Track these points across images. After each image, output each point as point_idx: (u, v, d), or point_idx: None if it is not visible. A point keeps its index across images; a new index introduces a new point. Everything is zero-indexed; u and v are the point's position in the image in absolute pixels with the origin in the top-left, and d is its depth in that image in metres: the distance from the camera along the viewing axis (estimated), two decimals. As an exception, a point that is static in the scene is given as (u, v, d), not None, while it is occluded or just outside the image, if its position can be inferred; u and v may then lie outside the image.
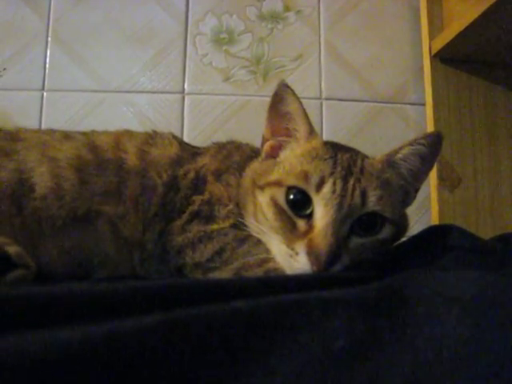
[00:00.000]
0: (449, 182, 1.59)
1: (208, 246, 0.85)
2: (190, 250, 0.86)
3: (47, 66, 1.67)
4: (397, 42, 1.77)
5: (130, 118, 1.65)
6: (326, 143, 0.87)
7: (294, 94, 0.85)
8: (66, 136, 0.97)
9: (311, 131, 0.87)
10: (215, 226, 0.88)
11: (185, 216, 0.90)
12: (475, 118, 1.65)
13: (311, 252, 0.73)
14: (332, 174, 0.78)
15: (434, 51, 1.64)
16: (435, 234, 0.88)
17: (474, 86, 1.66)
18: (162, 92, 1.68)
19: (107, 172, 0.92)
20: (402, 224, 0.86)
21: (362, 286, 0.53)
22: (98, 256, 0.87)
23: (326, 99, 1.71)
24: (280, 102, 0.86)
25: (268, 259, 0.80)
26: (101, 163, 0.93)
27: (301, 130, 0.87)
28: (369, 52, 1.75)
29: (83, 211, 0.87)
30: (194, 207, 0.91)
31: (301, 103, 0.86)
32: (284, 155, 0.88)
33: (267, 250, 0.81)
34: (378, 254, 0.81)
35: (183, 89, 1.69)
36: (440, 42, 1.61)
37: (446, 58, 1.65)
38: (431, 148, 0.85)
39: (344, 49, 1.75)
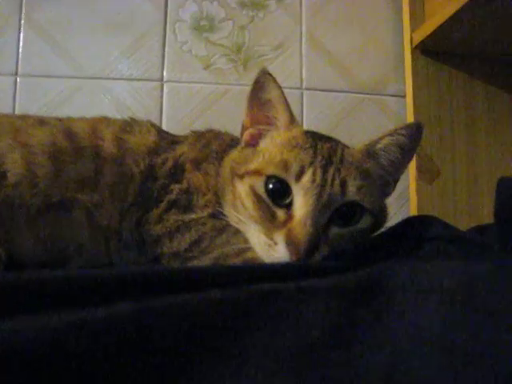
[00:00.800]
0: (427, 175, 1.60)
1: (186, 236, 0.84)
2: (168, 240, 0.84)
3: (20, 50, 1.61)
4: (378, 32, 1.76)
5: (107, 105, 1.61)
6: (307, 132, 0.87)
7: (274, 81, 0.84)
8: (41, 121, 0.94)
9: (292, 120, 0.86)
10: (193, 216, 0.86)
11: (162, 205, 0.89)
12: (454, 111, 1.65)
13: (290, 242, 0.72)
14: (312, 163, 0.77)
15: (415, 43, 1.64)
16: (414, 225, 0.88)
17: (454, 78, 1.67)
18: (140, 79, 1.65)
19: (83, 159, 0.90)
20: (381, 214, 0.85)
21: (339, 276, 0.52)
22: (73, 244, 0.85)
23: (307, 89, 1.70)
24: (260, 90, 0.85)
25: (247, 249, 0.79)
26: (77, 150, 0.90)
27: (281, 118, 0.86)
28: (350, 42, 1.74)
29: (58, 199, 0.84)
30: (172, 196, 0.89)
31: (282, 91, 0.85)
32: (264, 144, 0.86)
33: (246, 240, 0.80)
34: (357, 244, 0.81)
35: (162, 76, 1.66)
36: (421, 34, 1.61)
37: (427, 49, 1.65)
38: (411, 139, 0.84)
39: (325, 38, 1.73)
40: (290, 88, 1.68)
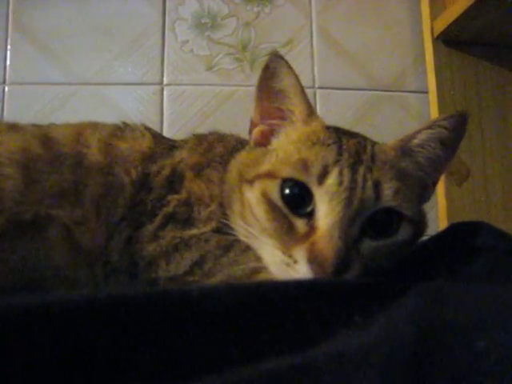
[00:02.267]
0: (457, 176, 1.45)
1: (185, 256, 0.70)
2: (164, 261, 0.71)
3: (8, 57, 1.50)
4: (395, 24, 1.63)
5: (104, 112, 1.49)
6: (329, 127, 0.73)
7: (288, 66, 0.71)
8: (13, 127, 0.82)
9: (310, 112, 0.73)
10: (194, 231, 0.73)
11: (157, 220, 0.75)
12: (483, 106, 1.51)
13: (314, 259, 0.59)
14: (337, 161, 0.65)
15: (436, 33, 1.52)
16: (461, 234, 0.74)
17: (481, 69, 1.53)
18: (138, 83, 1.53)
19: (62, 169, 0.77)
20: (421, 223, 0.71)
21: (383, 324, 0.37)
22: (49, 271, 0.71)
23: (320, 88, 1.57)
24: (272, 78, 0.72)
25: (259, 269, 0.67)
26: (54, 159, 0.77)
27: (297, 110, 0.73)
28: (365, 36, 1.62)
29: (30, 217, 0.71)
30: (169, 209, 0.76)
31: (297, 78, 0.72)
32: (277, 142, 0.73)
33: (258, 258, 0.68)
34: (394, 259, 0.67)
35: (162, 80, 1.54)
36: (443, 23, 1.47)
37: (449, 40, 1.52)
38: (454, 132, 0.72)
39: (338, 33, 1.61)
40: (301, 87, 1.54)
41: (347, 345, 0.29)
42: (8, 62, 1.50)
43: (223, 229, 0.73)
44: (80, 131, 0.86)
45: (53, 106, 1.49)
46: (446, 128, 0.71)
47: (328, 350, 0.28)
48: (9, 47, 1.51)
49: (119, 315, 0.35)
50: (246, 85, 1.53)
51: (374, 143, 0.73)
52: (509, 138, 1.50)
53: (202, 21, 1.57)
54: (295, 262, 0.61)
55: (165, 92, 1.53)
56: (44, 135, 0.82)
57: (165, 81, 1.54)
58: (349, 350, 0.28)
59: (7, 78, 1.49)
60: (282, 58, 0.71)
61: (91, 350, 0.32)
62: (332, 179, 0.62)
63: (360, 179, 0.63)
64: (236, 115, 1.49)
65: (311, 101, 1.50)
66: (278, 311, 0.34)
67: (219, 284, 0.64)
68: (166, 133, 1.46)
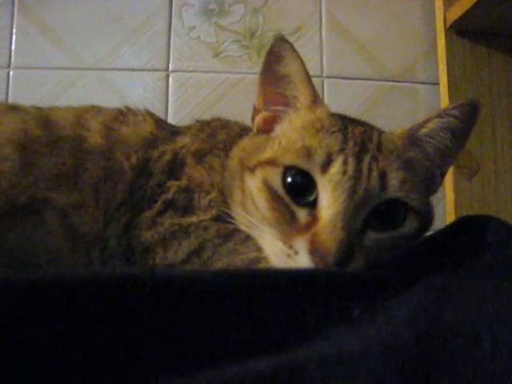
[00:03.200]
0: (466, 169, 1.42)
1: (184, 244, 0.68)
2: (161, 249, 0.69)
3: (13, 40, 1.48)
4: (407, 13, 1.58)
5: (108, 98, 1.46)
6: (334, 114, 0.71)
7: (294, 50, 0.69)
8: (13, 108, 0.80)
9: (315, 98, 0.71)
10: (194, 219, 0.71)
11: (156, 206, 0.73)
12: (495, 99, 1.47)
13: (315, 251, 0.57)
14: (342, 150, 0.62)
15: (449, 23, 1.46)
16: (469, 228, 0.71)
17: (494, 61, 1.48)
18: (143, 69, 1.50)
19: (61, 152, 0.75)
20: (428, 215, 0.69)
21: (382, 324, 0.34)
22: (45, 256, 0.70)
23: (328, 77, 1.53)
24: (276, 62, 0.70)
25: (259, 259, 0.65)
26: (53, 141, 0.76)
27: (302, 96, 0.71)
28: (375, 24, 1.57)
29: (26, 200, 0.69)
30: (169, 195, 0.74)
31: (302, 63, 0.70)
32: (280, 129, 0.71)
33: (258, 248, 0.66)
34: (399, 253, 0.64)
35: (168, 66, 1.51)
36: (456, 12, 1.43)
37: (462, 30, 1.47)
38: (464, 121, 0.70)
39: (348, 21, 1.56)
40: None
41: (341, 345, 0.27)
42: (13, 47, 1.48)
43: (223, 217, 0.71)
44: (81, 114, 0.85)
45: (57, 90, 1.47)
46: (455, 117, 0.68)
47: (319, 351, 0.26)
48: (14, 31, 1.49)
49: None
50: (253, 72, 1.50)
51: (380, 132, 0.71)
52: (521, 132, 1.46)
53: (210, 7, 1.54)
54: (296, 252, 0.59)
55: (170, 79, 1.50)
56: (44, 117, 0.80)
57: (170, 67, 1.51)
58: (342, 353, 0.26)
59: (12, 62, 1.47)
60: (287, 42, 0.69)
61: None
62: (336, 168, 0.60)
63: (365, 168, 0.61)
64: (242, 103, 1.46)
65: (319, 90, 1.49)
66: (268, 302, 0.32)
67: (206, 270, 0.63)
68: (171, 120, 1.44)
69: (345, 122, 0.68)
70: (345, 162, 0.61)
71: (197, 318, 0.30)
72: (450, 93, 1.45)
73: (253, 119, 0.76)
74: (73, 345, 0.30)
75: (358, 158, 0.62)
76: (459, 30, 1.47)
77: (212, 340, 0.28)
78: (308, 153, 0.61)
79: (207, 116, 1.38)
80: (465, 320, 0.32)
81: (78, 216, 0.72)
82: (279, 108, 0.72)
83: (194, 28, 1.53)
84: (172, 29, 1.53)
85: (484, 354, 0.26)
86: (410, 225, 0.64)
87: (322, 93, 1.51)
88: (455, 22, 1.44)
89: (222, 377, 0.22)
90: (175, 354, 0.28)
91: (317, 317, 0.32)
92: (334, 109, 1.43)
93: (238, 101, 1.48)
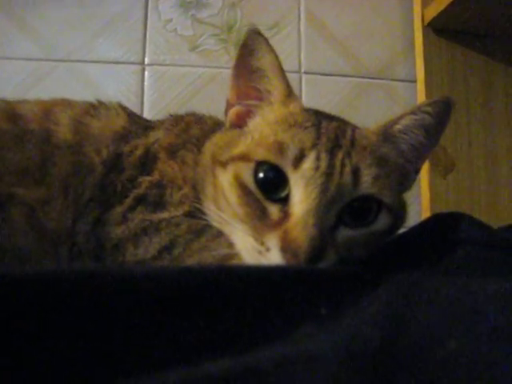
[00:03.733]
0: (442, 167, 1.43)
1: (154, 240, 0.67)
2: (132, 245, 0.67)
3: (-19, 29, 1.43)
4: (385, 10, 1.59)
5: (81, 91, 1.43)
6: (308, 110, 0.70)
7: (267, 44, 0.68)
8: (-24, 101, 0.77)
9: (289, 93, 0.70)
10: (165, 215, 0.69)
11: (127, 201, 0.72)
12: (471, 97, 1.48)
13: (287, 247, 0.56)
14: (315, 145, 0.61)
15: (426, 20, 1.48)
16: (442, 225, 0.71)
17: (470, 60, 1.50)
18: (119, 62, 1.47)
19: (28, 146, 0.73)
20: (401, 212, 0.69)
21: (349, 324, 0.33)
22: (11, 253, 0.67)
23: (306, 73, 1.53)
24: (249, 55, 0.69)
25: (231, 256, 0.64)
26: (20, 135, 0.74)
27: (276, 90, 0.69)
28: (354, 21, 1.57)
29: None
30: (140, 190, 0.72)
31: (276, 56, 0.68)
32: (253, 123, 0.70)
33: (230, 245, 0.65)
34: (372, 250, 0.64)
35: (143, 59, 1.49)
36: (434, 10, 1.44)
37: (440, 28, 1.49)
38: (438, 118, 0.69)
39: (326, 17, 1.56)
40: (287, 71, 1.47)
41: (304, 346, 0.26)
42: (-19, 36, 1.44)
43: (195, 213, 0.70)
44: (50, 108, 0.83)
45: (29, 82, 1.43)
46: (429, 114, 0.68)
47: (280, 351, 0.25)
48: (-16, 20, 1.44)
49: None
50: (230, 67, 1.48)
51: (354, 128, 0.70)
52: (495, 130, 1.48)
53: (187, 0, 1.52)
54: (267, 249, 0.58)
55: (146, 72, 1.48)
56: (11, 110, 0.78)
57: (146, 60, 1.48)
58: (303, 354, 0.25)
59: (-21, 51, 1.43)
60: (260, 34, 0.67)
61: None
62: (308, 163, 0.59)
63: (338, 164, 0.60)
64: (219, 98, 1.42)
65: (297, 86, 1.49)
66: (231, 299, 0.31)
67: (166, 266, 0.61)
68: (147, 114, 1.42)
69: (318, 118, 0.68)
70: (317, 158, 0.60)
71: (149, 318, 0.29)
72: (426, 90, 1.46)
73: (226, 113, 0.75)
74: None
75: (331, 154, 0.61)
76: (437, 28, 1.48)
77: (164, 341, 0.27)
78: (280, 148, 0.60)
79: (183, 111, 1.37)
80: (432, 320, 0.32)
81: (45, 212, 0.70)
82: (252, 102, 0.71)
83: (170, 21, 1.51)
84: (148, 21, 1.50)
85: (448, 356, 0.26)
86: (382, 222, 0.64)
87: (300, 89, 1.51)
88: (433, 20, 1.45)
89: (165, 382, 0.21)
90: (127, 355, 0.27)
91: (282, 315, 0.31)
92: (312, 105, 1.42)
93: (215, 95, 1.46)
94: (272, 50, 0.68)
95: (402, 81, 1.57)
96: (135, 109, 1.23)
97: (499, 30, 1.48)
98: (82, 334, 0.29)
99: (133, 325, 0.30)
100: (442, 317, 0.33)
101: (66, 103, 0.86)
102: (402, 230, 0.73)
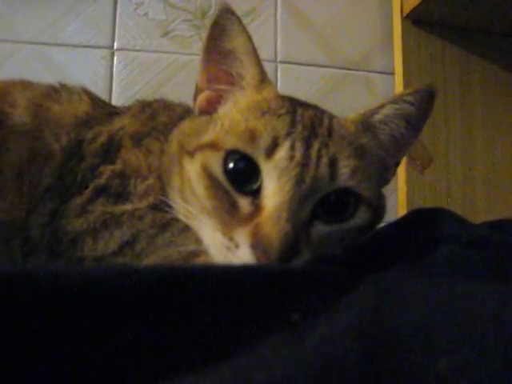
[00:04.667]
0: (419, 162, 1.41)
1: (115, 234, 0.62)
2: (91, 239, 0.62)
3: None
4: (364, 0, 1.55)
5: (45, 75, 1.35)
6: (283, 96, 0.66)
7: (240, 23, 0.63)
8: None
9: (263, 78, 0.66)
10: (128, 207, 0.65)
11: (87, 192, 0.66)
12: (449, 90, 1.47)
13: (257, 244, 0.52)
14: (289, 134, 0.58)
15: (405, 12, 1.46)
16: (421, 221, 0.67)
17: (449, 53, 1.48)
18: (86, 46, 1.40)
19: None
20: (380, 207, 0.65)
21: (324, 334, 0.29)
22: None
23: (282, 62, 1.48)
24: (221, 36, 0.64)
25: (198, 252, 0.59)
26: None
27: (248, 75, 0.65)
28: (332, 10, 1.53)
29: None
30: (101, 180, 0.67)
31: (250, 37, 0.64)
32: (224, 110, 0.65)
33: (197, 240, 0.61)
34: (349, 246, 0.60)
35: (113, 43, 1.42)
36: (413, 2, 1.42)
37: (419, 20, 1.47)
38: (420, 108, 0.66)
39: (304, 5, 1.52)
40: (263, 60, 1.43)
41: (269, 366, 0.22)
42: None
43: (161, 206, 0.65)
44: (8, 89, 0.77)
45: (-12, 65, 1.35)
46: (411, 103, 0.65)
47: (238, 371, 0.21)
48: None
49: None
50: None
51: (332, 116, 0.66)
52: (473, 125, 1.47)
53: (160, -18, 1.46)
54: (237, 246, 0.54)
55: (115, 57, 1.41)
56: None
57: (116, 45, 1.41)
58: (268, 377, 0.20)
59: None
60: (233, 13, 0.63)
61: None
62: (282, 153, 0.55)
63: (314, 155, 0.56)
64: (191, 86, 1.39)
65: (272, 75, 1.44)
66: (188, 304, 0.26)
67: (112, 264, 0.57)
68: (116, 101, 1.35)
69: (294, 105, 0.64)
70: (292, 147, 0.56)
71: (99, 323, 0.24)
72: (404, 83, 1.44)
73: (195, 99, 0.70)
74: None
75: (307, 144, 0.57)
76: (415, 19, 1.46)
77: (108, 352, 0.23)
78: (252, 136, 0.56)
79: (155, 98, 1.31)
80: (415, 327, 0.28)
81: (-5, 202, 0.64)
82: (223, 87, 0.66)
83: (142, 4, 1.44)
84: (118, 4, 1.43)
85: (438, 378, 0.22)
86: (361, 216, 0.60)
87: (276, 78, 1.46)
88: (411, 11, 1.43)
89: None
90: (86, 371, 0.23)
91: (245, 323, 0.26)
92: (288, 94, 1.37)
93: (187, 83, 1.40)
94: (245, 31, 0.63)
95: (380, 73, 1.54)
96: (103, 96, 1.16)
97: (478, 22, 1.46)
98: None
99: (81, 332, 0.26)
100: (428, 324, 0.29)
101: (26, 85, 0.81)
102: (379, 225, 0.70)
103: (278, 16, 1.50)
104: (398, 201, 1.43)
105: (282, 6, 1.50)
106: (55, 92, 0.80)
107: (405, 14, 1.45)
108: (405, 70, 1.44)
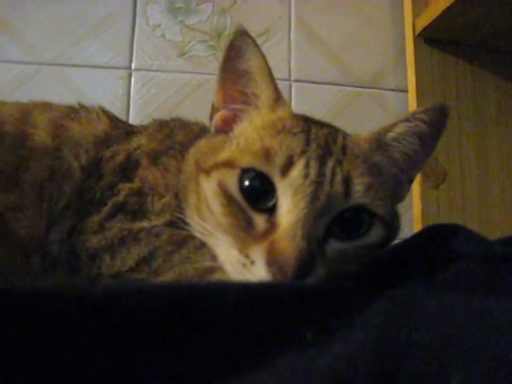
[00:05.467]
0: (433, 178, 1.40)
1: (133, 251, 0.63)
2: (108, 256, 0.63)
3: (-37, 31, 1.39)
4: (376, 19, 1.57)
5: (66, 95, 1.38)
6: (297, 115, 0.67)
7: (255, 45, 0.65)
8: None
9: (277, 97, 0.67)
10: (145, 224, 0.66)
11: (106, 209, 0.68)
12: (462, 107, 1.47)
13: (273, 261, 0.53)
14: (304, 152, 0.58)
15: (417, 30, 1.46)
16: (436, 237, 0.67)
17: (461, 70, 1.48)
18: (105, 67, 1.44)
19: (0, 149, 0.69)
20: (394, 224, 0.65)
21: (337, 353, 0.29)
22: (-23, 263, 0.63)
23: (296, 81, 1.50)
24: (236, 57, 0.66)
25: (214, 269, 0.60)
26: None
27: (263, 94, 0.66)
28: (345, 29, 1.55)
29: None
30: (119, 198, 0.69)
31: (265, 58, 0.66)
32: (239, 128, 0.67)
33: (213, 257, 0.61)
34: (363, 263, 0.60)
35: (130, 64, 1.45)
36: (425, 20, 1.42)
37: (431, 38, 1.47)
38: (433, 126, 0.67)
39: (317, 25, 1.54)
40: (277, 79, 1.45)
41: (285, 380, 0.22)
42: (-38, 38, 1.39)
43: (177, 223, 0.66)
44: (29, 110, 0.79)
45: (13, 85, 1.39)
46: (424, 121, 0.66)
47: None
48: (-35, 21, 1.40)
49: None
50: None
51: (345, 135, 0.67)
52: (487, 141, 1.46)
53: (176, 5, 1.49)
54: (252, 262, 0.54)
55: (133, 77, 1.44)
56: None
57: (133, 65, 1.45)
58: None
59: (-39, 54, 1.39)
60: (248, 35, 0.64)
61: None
62: (297, 171, 0.56)
63: (328, 173, 0.57)
64: (207, 105, 1.41)
65: (286, 94, 1.45)
66: (205, 320, 0.27)
67: (130, 282, 0.57)
68: (133, 120, 1.38)
69: (308, 123, 0.65)
70: (306, 165, 0.56)
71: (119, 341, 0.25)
72: (418, 100, 1.44)
73: (211, 118, 0.72)
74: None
75: (321, 162, 0.58)
76: (427, 38, 1.47)
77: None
78: (267, 154, 0.57)
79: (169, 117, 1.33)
80: (434, 345, 0.28)
81: (17, 219, 0.66)
82: (239, 107, 0.67)
83: (159, 26, 1.48)
84: (136, 26, 1.47)
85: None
86: (375, 234, 0.61)
87: (290, 97, 1.48)
88: (424, 30, 1.44)
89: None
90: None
91: (260, 341, 0.27)
92: (302, 112, 1.38)
93: (203, 102, 1.41)
94: (260, 52, 0.65)
95: (393, 90, 1.55)
96: (121, 115, 1.19)
97: (490, 40, 1.47)
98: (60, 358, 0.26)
99: (107, 349, 0.27)
100: (445, 342, 0.29)
101: (46, 106, 0.83)
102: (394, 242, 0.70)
103: (292, 35, 1.52)
104: (413, 217, 1.42)
105: (296, 25, 1.53)
106: (74, 112, 0.82)
107: (417, 33, 1.46)
108: (418, 88, 1.44)
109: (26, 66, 1.41)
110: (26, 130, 0.74)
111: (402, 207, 1.38)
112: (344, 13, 1.56)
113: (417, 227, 1.36)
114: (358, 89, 1.53)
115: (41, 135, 0.74)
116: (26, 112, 0.78)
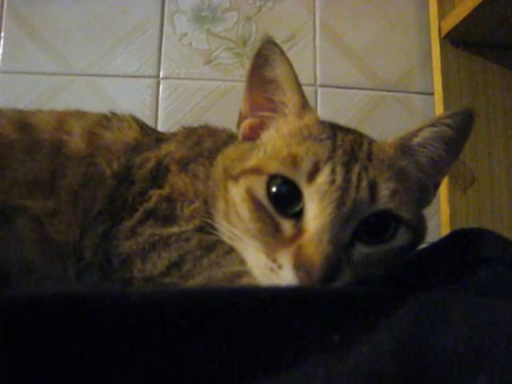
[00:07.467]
0: (461, 181, 1.39)
1: (163, 255, 0.65)
2: (140, 260, 0.65)
3: (1, 44, 1.45)
4: (402, 22, 1.57)
5: (97, 104, 1.43)
6: (323, 122, 0.68)
7: (282, 53, 0.66)
8: (-12, 110, 0.77)
9: (304, 104, 0.68)
10: (175, 229, 0.68)
11: (137, 215, 0.70)
12: (490, 109, 1.45)
13: (300, 265, 0.54)
14: (330, 158, 0.59)
15: (443, 32, 1.45)
16: (464, 242, 0.67)
17: (489, 71, 1.47)
18: (134, 76, 1.47)
19: (38, 156, 0.72)
20: (420, 228, 0.66)
21: (363, 355, 0.30)
22: (17, 266, 0.66)
23: (321, 86, 1.51)
24: (264, 66, 0.67)
25: (242, 273, 0.61)
26: (31, 145, 0.73)
27: (290, 102, 0.68)
28: (370, 33, 1.55)
29: None
30: (150, 204, 0.71)
31: (291, 66, 0.67)
32: (267, 136, 0.68)
33: (242, 261, 0.62)
34: (389, 268, 0.61)
35: (158, 73, 1.48)
36: (451, 22, 1.41)
37: (457, 40, 1.46)
38: (459, 131, 0.67)
39: (342, 30, 1.55)
40: (303, 85, 1.46)
41: (311, 380, 0.23)
42: (1, 51, 1.45)
43: (206, 228, 0.68)
44: (64, 118, 0.82)
45: (46, 96, 1.44)
46: (449, 126, 0.66)
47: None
48: (2, 35, 1.46)
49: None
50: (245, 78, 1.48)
51: (371, 141, 0.68)
52: (516, 144, 1.44)
53: (202, 14, 1.52)
54: (280, 267, 0.55)
55: (161, 85, 1.47)
56: (22, 120, 0.78)
57: (161, 74, 1.48)
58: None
59: (0, 66, 1.44)
60: (275, 44, 0.66)
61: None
62: (323, 177, 0.57)
63: (354, 178, 0.58)
64: (234, 112, 1.43)
65: (312, 99, 1.46)
66: (234, 324, 0.28)
67: (162, 288, 0.59)
68: (161, 127, 1.41)
69: (334, 130, 0.65)
70: (333, 171, 0.57)
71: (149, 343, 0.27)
72: (444, 103, 1.43)
73: (238, 126, 0.73)
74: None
75: (347, 167, 0.59)
76: (454, 40, 1.46)
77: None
78: (294, 161, 0.58)
79: (197, 124, 1.35)
80: (460, 348, 0.29)
81: (53, 224, 0.68)
82: (266, 114, 0.69)
83: (185, 35, 1.51)
84: (164, 35, 1.50)
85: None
86: (401, 238, 0.61)
87: (316, 102, 1.49)
88: (450, 32, 1.43)
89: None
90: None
91: (289, 343, 0.28)
92: (328, 118, 1.39)
93: (230, 109, 1.43)
94: (287, 60, 0.66)
95: (420, 93, 1.54)
96: (150, 122, 1.22)
97: (518, 41, 1.45)
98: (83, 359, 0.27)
99: (134, 350, 0.28)
100: (472, 345, 0.30)
101: (79, 114, 0.86)
102: (421, 246, 0.70)
103: (317, 41, 1.53)
104: (441, 221, 1.41)
105: (321, 31, 1.54)
106: (107, 120, 0.85)
107: (443, 35, 1.45)
108: (444, 91, 1.43)
109: (59, 77, 1.46)
110: (62, 138, 0.77)
111: (429, 211, 1.38)
112: (368, 17, 1.56)
113: (445, 231, 1.35)
114: (384, 92, 1.53)
115: (76, 142, 0.77)
116: (61, 120, 0.81)
